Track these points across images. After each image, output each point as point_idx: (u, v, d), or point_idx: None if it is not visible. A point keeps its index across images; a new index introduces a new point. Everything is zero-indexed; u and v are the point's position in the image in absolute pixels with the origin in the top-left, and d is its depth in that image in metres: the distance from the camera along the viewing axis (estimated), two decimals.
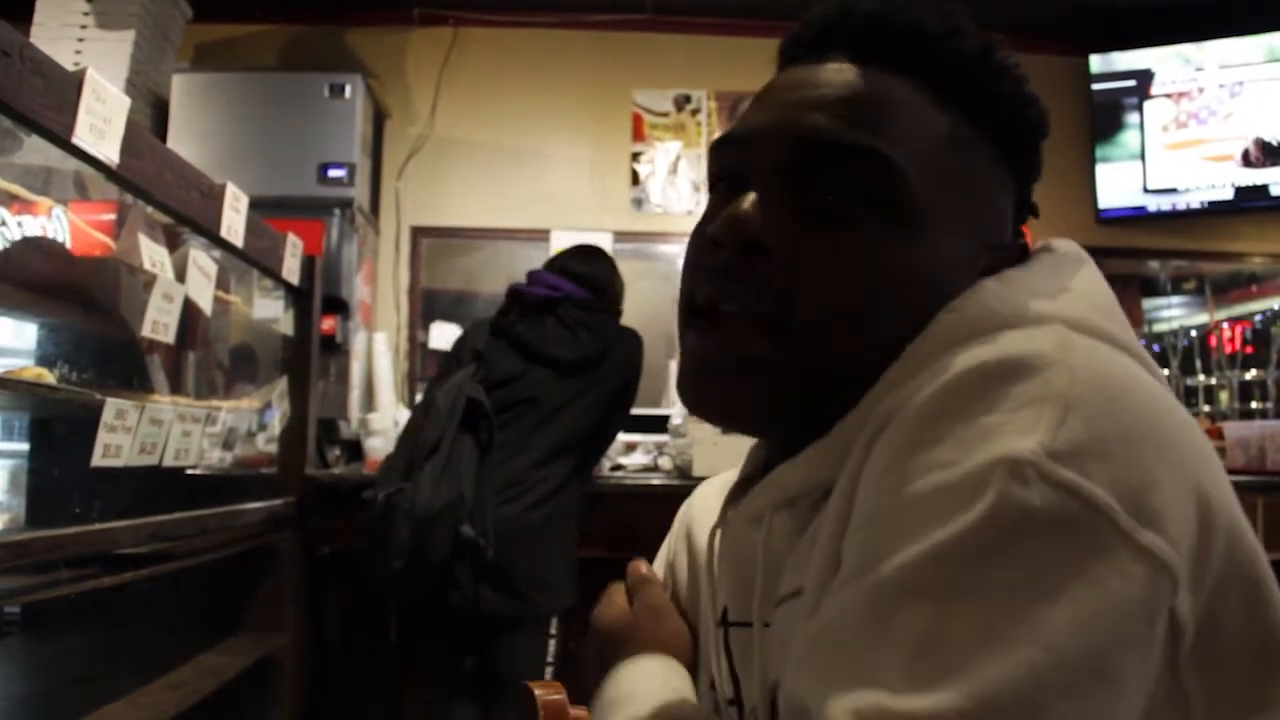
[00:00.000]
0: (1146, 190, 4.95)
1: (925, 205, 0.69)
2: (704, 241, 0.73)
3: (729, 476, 0.93)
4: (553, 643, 2.55)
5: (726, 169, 0.76)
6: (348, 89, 4.33)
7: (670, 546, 0.99)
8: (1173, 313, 5.94)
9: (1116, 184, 4.98)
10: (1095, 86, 5.05)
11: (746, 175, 0.73)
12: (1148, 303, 5.69)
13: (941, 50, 0.73)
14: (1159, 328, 5.71)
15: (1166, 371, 4.77)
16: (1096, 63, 5.03)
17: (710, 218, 0.74)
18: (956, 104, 0.73)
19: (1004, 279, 0.69)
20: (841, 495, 0.64)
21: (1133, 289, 5.55)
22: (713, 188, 0.78)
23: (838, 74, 0.73)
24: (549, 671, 2.53)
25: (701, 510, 0.96)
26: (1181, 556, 0.54)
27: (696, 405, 0.73)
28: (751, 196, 0.71)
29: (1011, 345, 0.59)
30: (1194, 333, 4.85)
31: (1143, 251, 5.20)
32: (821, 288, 0.68)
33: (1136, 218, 4.98)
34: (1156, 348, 5.03)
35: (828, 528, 0.64)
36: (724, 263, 0.71)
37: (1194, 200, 4.88)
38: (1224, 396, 4.82)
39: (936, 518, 0.54)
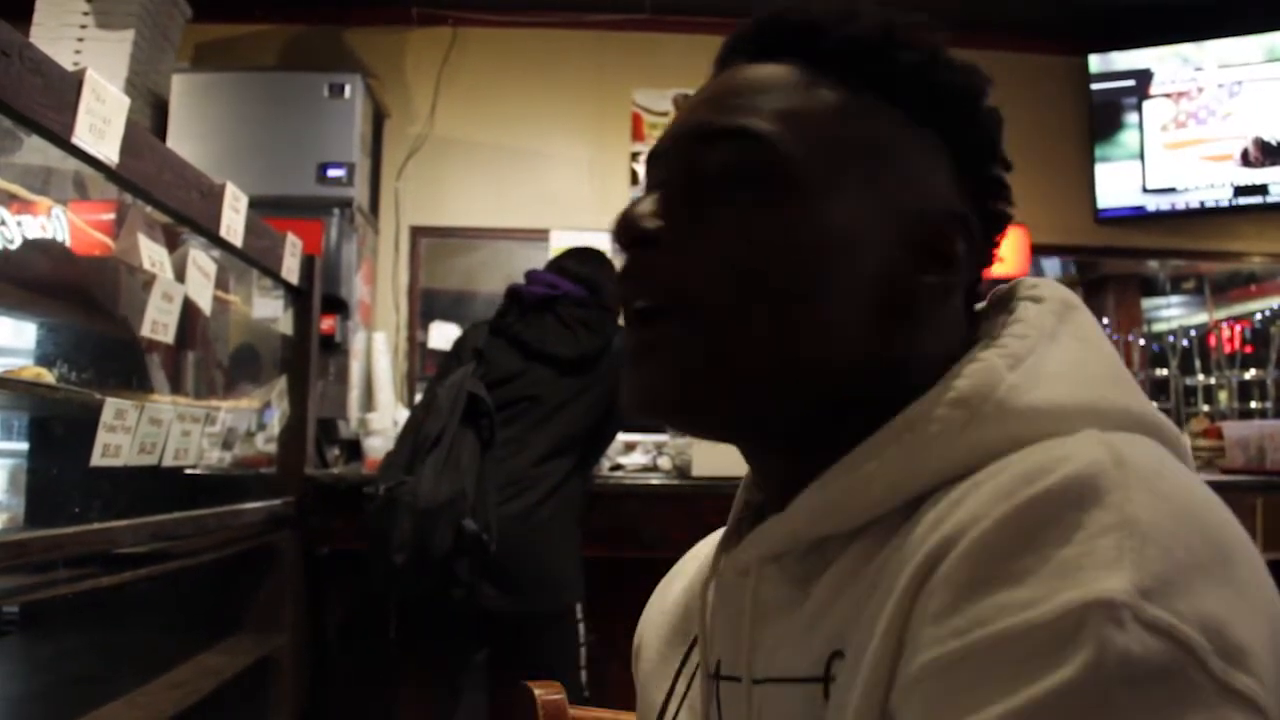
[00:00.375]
0: (1145, 190, 4.96)
1: (806, 174, 0.68)
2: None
3: (701, 550, 0.92)
4: (582, 627, 2.55)
5: (647, 182, 0.77)
6: (347, 89, 4.33)
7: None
8: (1172, 312, 5.95)
9: (1115, 184, 4.99)
10: (1094, 86, 5.05)
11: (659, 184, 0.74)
12: (1147, 302, 5.70)
13: (833, 35, 0.72)
14: (1158, 327, 5.72)
15: (1164, 371, 4.77)
16: (1095, 62, 5.04)
17: None
18: (850, 79, 0.72)
19: (1010, 355, 0.66)
20: (885, 638, 0.58)
21: (1132, 289, 5.55)
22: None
23: (726, 75, 0.75)
24: (583, 653, 2.53)
25: (673, 578, 0.94)
26: (1269, 693, 0.50)
27: (635, 406, 0.72)
28: (649, 196, 0.73)
29: (1065, 462, 0.55)
30: (1193, 332, 4.85)
31: (1142, 251, 5.21)
32: (707, 267, 0.68)
33: (1135, 217, 4.99)
34: (1156, 348, 5.03)
35: (865, 674, 0.59)
36: (625, 262, 0.72)
37: (1193, 200, 4.89)
38: (1223, 396, 4.82)
39: (1025, 668, 0.49)
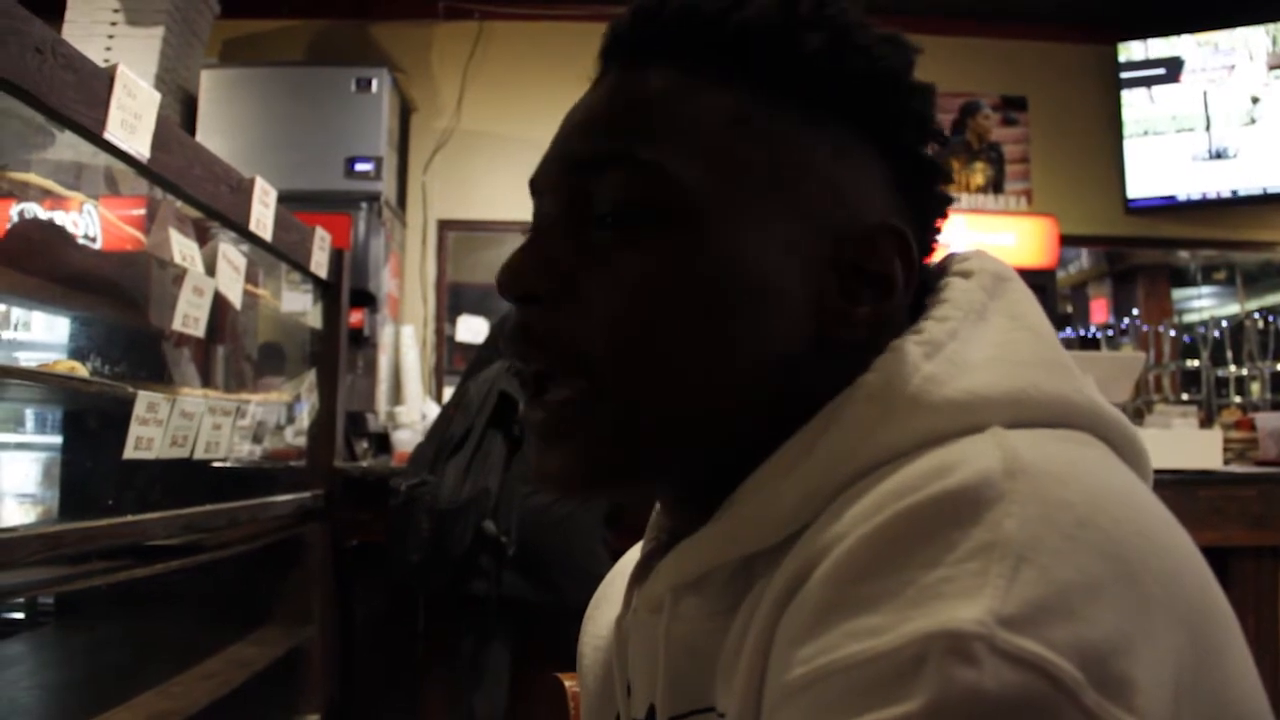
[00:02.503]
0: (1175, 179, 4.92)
1: (701, 203, 0.60)
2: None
3: (624, 567, 0.85)
4: None
5: (534, 216, 0.68)
6: (374, 83, 4.36)
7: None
8: (1203, 303, 5.90)
9: (1145, 173, 4.95)
10: (1124, 75, 5.01)
11: (544, 219, 0.67)
12: (1177, 293, 5.66)
13: (717, 24, 0.62)
14: (1189, 318, 5.67)
15: (1196, 363, 4.73)
16: (1125, 51, 4.99)
17: None
18: (746, 78, 0.62)
19: (927, 342, 0.59)
20: (751, 652, 0.55)
21: (1162, 279, 5.52)
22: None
23: (603, 86, 0.67)
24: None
25: (600, 602, 0.90)
26: None
27: (537, 479, 0.65)
28: (523, 242, 0.65)
29: (947, 472, 0.50)
30: (1225, 323, 4.80)
31: (1172, 241, 5.17)
32: (597, 324, 0.60)
33: (1166, 207, 4.95)
34: (1187, 338, 4.99)
35: (738, 688, 0.56)
36: (514, 320, 0.64)
37: (1223, 189, 4.84)
38: (1255, 388, 4.77)
39: (861, 699, 0.45)
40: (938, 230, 0.68)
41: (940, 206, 0.68)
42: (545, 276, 0.62)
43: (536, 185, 0.69)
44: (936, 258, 0.69)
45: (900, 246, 0.62)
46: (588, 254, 0.62)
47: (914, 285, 0.63)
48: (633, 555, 0.84)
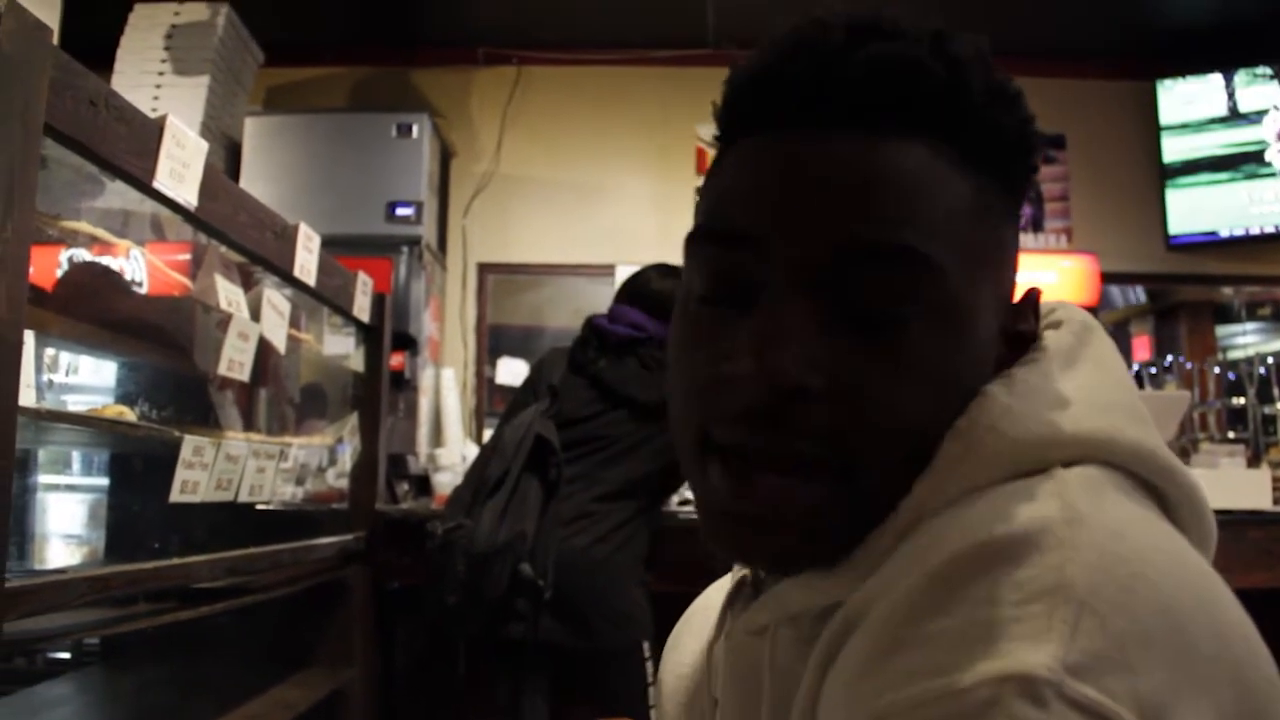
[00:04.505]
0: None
1: (964, 295, 0.60)
2: (718, 377, 0.61)
3: (708, 600, 0.86)
4: (650, 666, 2.53)
5: (728, 274, 0.63)
6: (415, 128, 4.41)
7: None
8: (1247, 339, 5.83)
9: (1186, 209, 4.92)
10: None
11: (759, 285, 0.61)
12: (1221, 330, 5.59)
13: (948, 95, 0.61)
14: (1234, 355, 5.60)
15: (1241, 400, 4.67)
16: (1165, 87, 4.97)
17: (713, 335, 0.63)
18: (973, 160, 0.62)
19: (1012, 387, 0.60)
20: (806, 690, 0.56)
21: (1205, 316, 5.46)
22: (708, 295, 0.64)
23: (851, 150, 0.60)
24: (651, 692, 2.51)
25: (681, 635, 0.89)
26: None
27: (745, 559, 0.66)
28: (779, 325, 0.59)
29: (1009, 517, 0.51)
30: (1270, 359, 4.74)
31: (1215, 278, 5.12)
32: (882, 421, 0.59)
33: (1208, 243, 4.91)
34: (1231, 375, 4.93)
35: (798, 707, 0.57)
36: (754, 405, 0.59)
37: (1267, 224, 4.80)
38: None
39: None
40: None
41: None
42: (816, 372, 0.58)
43: (748, 246, 0.62)
44: None
45: (1035, 306, 0.67)
46: (858, 344, 0.59)
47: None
48: (714, 592, 0.86)
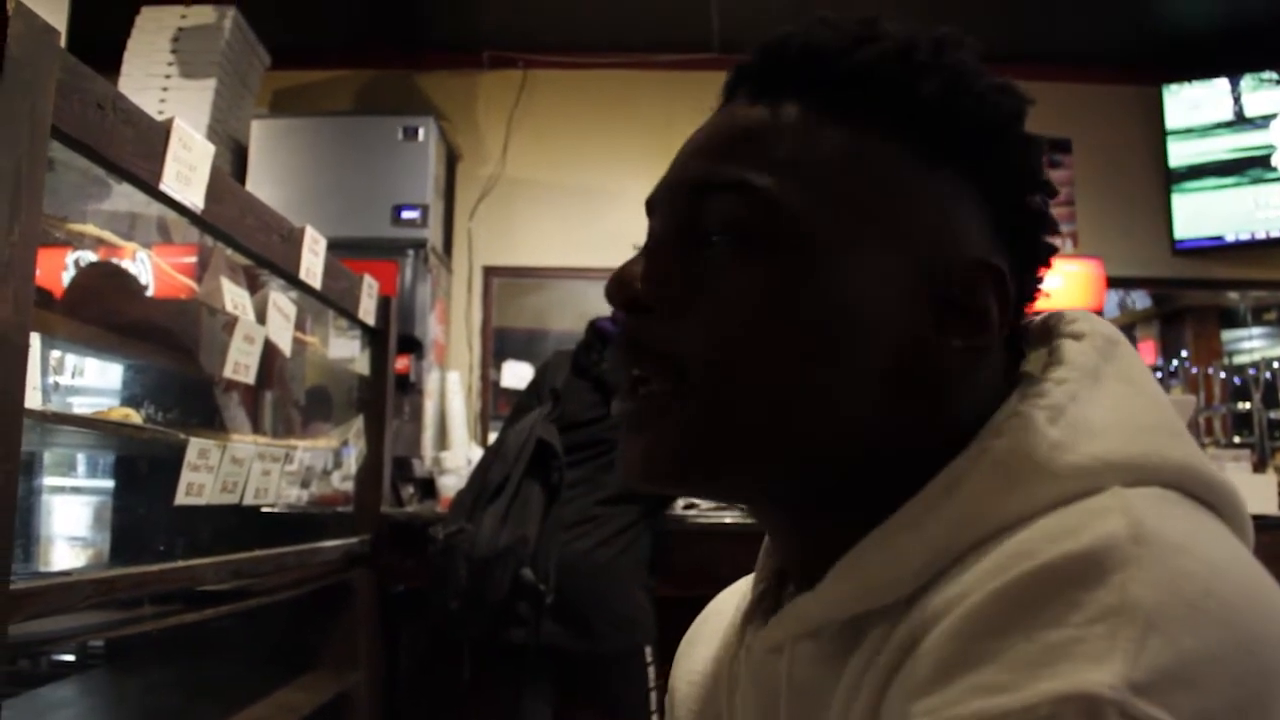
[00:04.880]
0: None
1: (810, 232, 0.63)
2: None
3: (720, 605, 0.87)
4: (651, 671, 2.52)
5: (649, 233, 0.72)
6: (420, 131, 4.42)
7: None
8: (1253, 344, 5.82)
9: (1192, 214, 4.91)
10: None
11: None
12: (1227, 334, 5.59)
13: (837, 63, 0.65)
14: (1239, 359, 5.60)
15: (1247, 405, 4.66)
16: (1170, 92, 4.97)
17: None
18: (860, 117, 0.65)
19: (1050, 408, 0.60)
20: (866, 698, 0.57)
21: (1211, 320, 5.45)
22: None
23: (724, 115, 0.70)
24: (653, 698, 2.51)
25: (695, 641, 0.89)
26: None
27: (620, 472, 0.68)
28: (635, 257, 0.69)
29: (1073, 535, 0.51)
30: (1276, 364, 4.74)
31: (1220, 282, 5.11)
32: (701, 334, 0.63)
33: (1214, 248, 4.90)
34: (1237, 380, 4.93)
35: None
36: (621, 326, 0.68)
37: (1273, 229, 4.79)
38: None
39: None
40: (1039, 279, 0.70)
41: (1044, 255, 0.70)
42: (654, 287, 0.66)
43: (651, 204, 0.73)
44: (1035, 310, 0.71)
45: (996, 284, 0.64)
46: (697, 270, 0.65)
47: (1008, 324, 0.65)
48: (727, 597, 0.87)
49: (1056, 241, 0.71)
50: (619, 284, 0.67)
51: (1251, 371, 4.74)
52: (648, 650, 2.53)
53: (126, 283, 2.06)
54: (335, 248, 2.35)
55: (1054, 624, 0.47)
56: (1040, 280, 0.70)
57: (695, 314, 0.64)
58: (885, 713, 0.54)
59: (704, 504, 3.29)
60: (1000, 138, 0.66)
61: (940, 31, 0.67)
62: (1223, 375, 4.89)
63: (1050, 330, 0.68)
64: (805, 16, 0.68)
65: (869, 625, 0.61)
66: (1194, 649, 0.46)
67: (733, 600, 0.81)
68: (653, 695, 2.52)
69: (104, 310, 1.91)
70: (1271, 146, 4.83)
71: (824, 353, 0.62)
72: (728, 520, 3.03)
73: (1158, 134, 4.98)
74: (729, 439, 0.63)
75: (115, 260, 2.07)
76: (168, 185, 1.53)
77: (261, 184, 4.20)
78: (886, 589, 0.60)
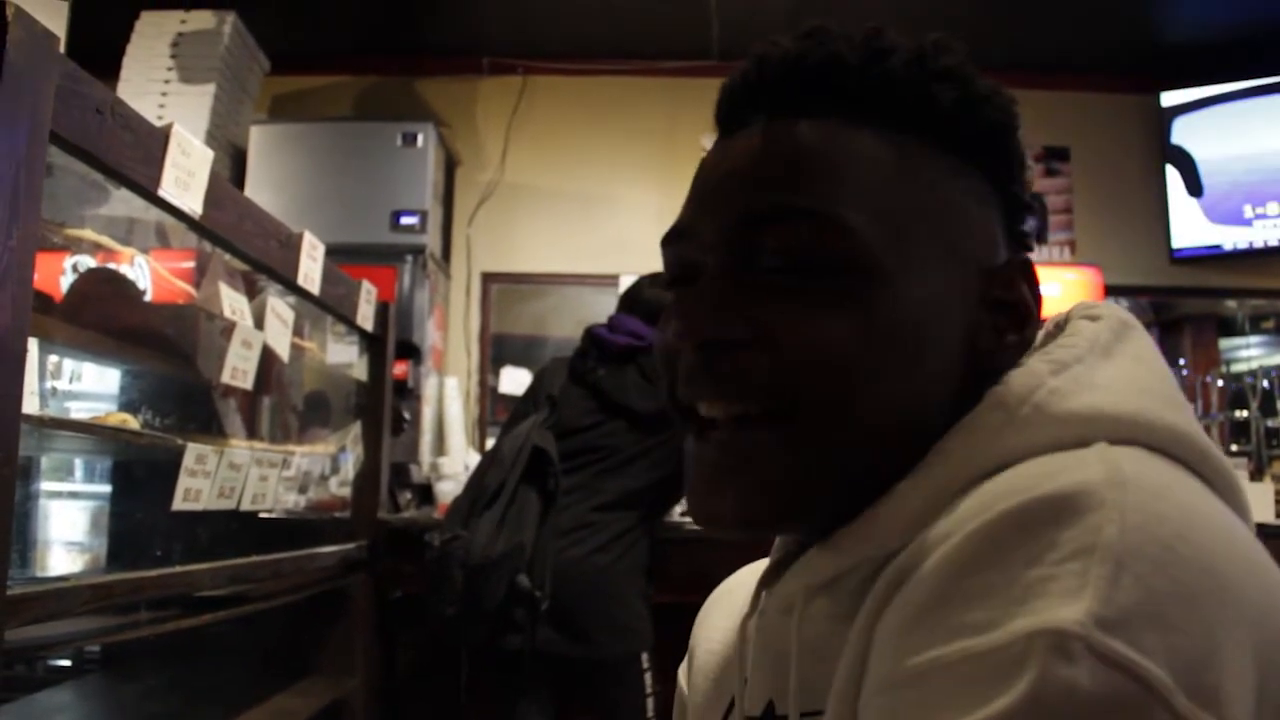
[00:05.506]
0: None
1: (885, 252, 0.64)
2: (664, 347, 0.69)
3: (743, 578, 0.89)
4: (648, 677, 2.52)
5: (678, 265, 0.71)
6: (419, 137, 4.42)
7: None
8: (1251, 352, 5.82)
9: (1190, 222, 4.91)
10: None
11: (697, 267, 0.69)
12: (1225, 342, 5.58)
13: (865, 77, 0.67)
14: (1237, 368, 5.59)
15: (1245, 414, 4.66)
16: (1168, 99, 4.97)
17: (667, 317, 0.69)
18: (896, 126, 0.67)
19: (1055, 361, 0.63)
20: (857, 641, 0.58)
21: (1209, 329, 5.44)
22: (669, 286, 0.72)
23: (761, 137, 0.68)
24: (650, 704, 2.50)
25: (710, 612, 0.91)
26: None
27: (707, 518, 0.67)
28: (699, 289, 0.66)
29: (1053, 477, 0.52)
30: (1274, 372, 4.73)
31: (1218, 291, 5.11)
32: (804, 366, 0.63)
33: (1211, 256, 4.90)
34: (1235, 388, 4.92)
35: (840, 676, 0.58)
36: (689, 364, 0.66)
37: (1270, 237, 4.80)
38: None
39: (966, 693, 0.47)
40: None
41: (1028, 239, 0.73)
42: (735, 321, 0.64)
43: (687, 236, 0.71)
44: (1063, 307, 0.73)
45: (1027, 276, 0.68)
46: (770, 302, 0.64)
47: (1041, 311, 0.68)
48: (744, 572, 0.90)
49: (1030, 238, 0.74)
50: (688, 320, 0.65)
51: (1249, 380, 4.73)
52: (644, 657, 2.53)
53: (124, 288, 2.06)
54: (334, 253, 2.35)
55: (1029, 562, 0.49)
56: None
57: (792, 346, 0.63)
58: (875, 645, 0.55)
59: None
60: (1008, 136, 0.70)
61: (933, 38, 0.69)
62: (1220, 383, 4.88)
63: (1069, 316, 0.71)
64: (801, 27, 0.70)
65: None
66: (1165, 590, 0.47)
67: (752, 574, 0.83)
68: (650, 701, 2.52)
69: (102, 315, 1.91)
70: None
71: (908, 372, 0.64)
72: None
73: (1156, 141, 4.99)
74: (838, 472, 0.65)
75: (113, 265, 2.07)
76: (166, 190, 1.53)
77: (260, 189, 4.19)
78: (890, 534, 0.61)
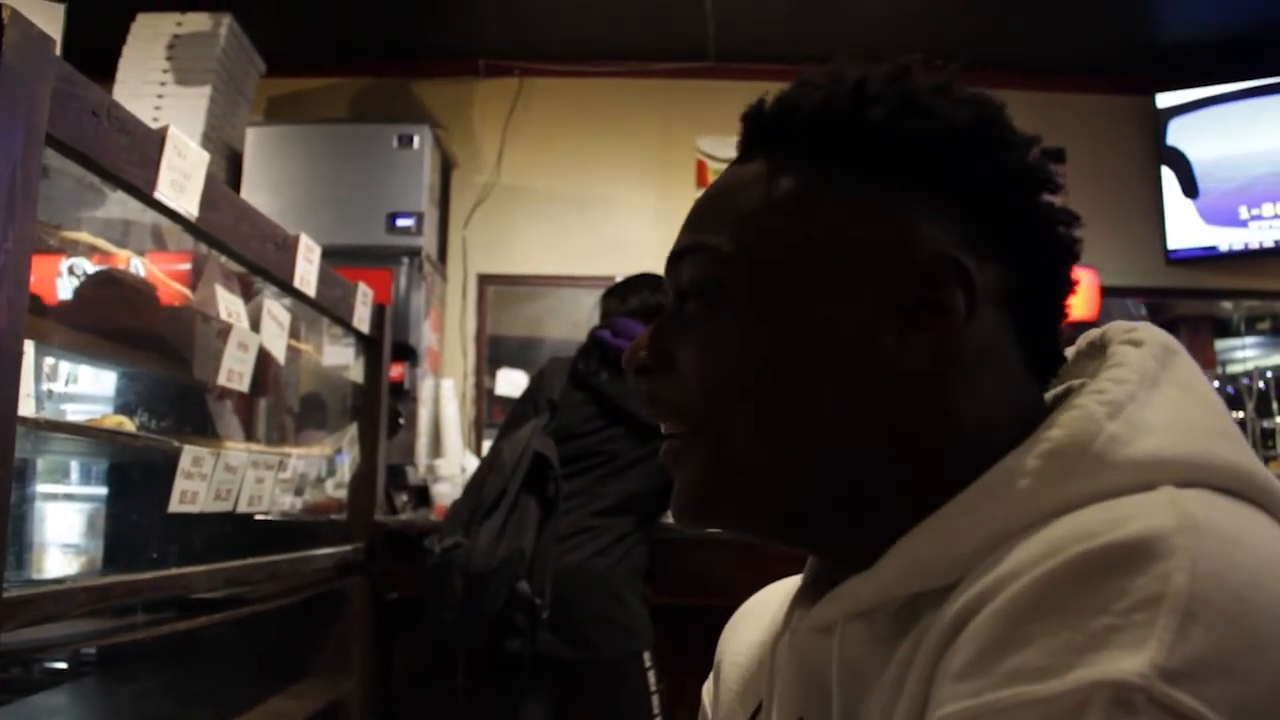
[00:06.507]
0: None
1: (770, 276, 0.68)
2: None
3: (764, 599, 0.91)
4: (651, 676, 2.52)
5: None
6: (416, 139, 4.41)
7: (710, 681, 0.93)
8: (1247, 353, 5.82)
9: (1186, 224, 4.92)
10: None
11: None
12: (1220, 344, 5.59)
13: (799, 115, 0.70)
14: (1233, 369, 5.60)
15: (1241, 415, 4.67)
16: (1164, 101, 4.98)
17: None
18: (815, 159, 0.69)
19: (1110, 403, 0.61)
20: (916, 679, 0.58)
21: (1205, 330, 5.46)
22: None
23: (714, 181, 0.77)
24: (655, 701, 2.50)
25: (737, 627, 0.92)
26: None
27: (672, 514, 0.75)
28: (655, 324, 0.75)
29: (1123, 523, 0.51)
30: (1269, 373, 4.74)
31: (1214, 292, 5.12)
32: (696, 386, 0.70)
33: (1207, 257, 4.91)
34: (1230, 389, 4.93)
35: (900, 714, 0.59)
36: (640, 388, 0.75)
37: (1266, 238, 4.80)
38: None
39: None
40: (1061, 273, 0.71)
41: (1060, 249, 0.70)
42: (650, 351, 0.73)
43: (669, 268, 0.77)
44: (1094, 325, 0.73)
45: (958, 276, 0.65)
46: (681, 329, 0.72)
47: (977, 313, 0.66)
48: (776, 587, 0.90)
49: (1074, 233, 0.71)
50: (630, 351, 0.75)
51: (1245, 381, 4.74)
52: (646, 655, 2.53)
53: (124, 290, 2.06)
54: (330, 255, 2.35)
55: (1096, 611, 0.48)
56: (1063, 274, 0.71)
57: (686, 368, 0.71)
58: (935, 690, 0.55)
59: None
60: (956, 144, 0.68)
61: (904, 61, 0.70)
62: (1216, 384, 4.89)
63: (1106, 338, 0.70)
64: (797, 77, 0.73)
65: (922, 610, 0.62)
66: (1234, 639, 0.46)
67: (781, 590, 0.86)
68: (654, 699, 2.52)
69: (98, 317, 1.91)
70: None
71: (798, 383, 0.67)
72: None
73: (1151, 143, 4.99)
74: (740, 472, 0.69)
75: (113, 267, 2.07)
76: (162, 193, 1.53)
77: (256, 191, 4.19)
78: (940, 570, 0.61)
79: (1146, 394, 0.62)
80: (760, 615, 0.88)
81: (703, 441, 0.70)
